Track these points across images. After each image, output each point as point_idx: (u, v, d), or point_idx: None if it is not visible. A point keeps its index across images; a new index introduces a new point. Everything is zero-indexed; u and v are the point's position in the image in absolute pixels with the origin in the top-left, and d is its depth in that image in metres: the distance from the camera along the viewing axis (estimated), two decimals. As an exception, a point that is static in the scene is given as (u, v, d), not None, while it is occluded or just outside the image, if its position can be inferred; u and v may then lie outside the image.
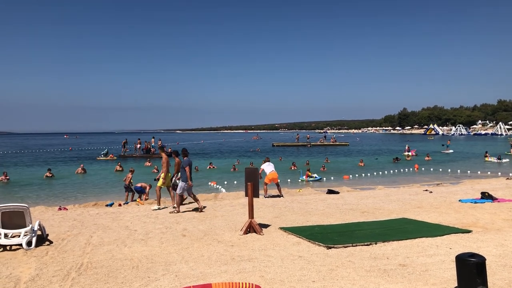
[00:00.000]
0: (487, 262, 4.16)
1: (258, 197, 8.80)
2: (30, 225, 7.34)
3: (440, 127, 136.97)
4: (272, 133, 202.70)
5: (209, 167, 28.11)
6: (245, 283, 3.91)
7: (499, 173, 23.03)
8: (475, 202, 11.38)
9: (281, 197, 13.75)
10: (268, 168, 14.33)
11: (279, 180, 14.80)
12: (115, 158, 37.45)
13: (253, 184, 8.27)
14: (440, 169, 25.96)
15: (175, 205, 11.17)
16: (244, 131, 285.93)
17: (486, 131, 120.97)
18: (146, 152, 39.08)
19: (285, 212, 10.56)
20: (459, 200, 11.83)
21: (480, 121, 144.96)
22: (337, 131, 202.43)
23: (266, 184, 14.25)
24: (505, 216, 9.42)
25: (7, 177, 22.08)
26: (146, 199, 14.24)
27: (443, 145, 45.02)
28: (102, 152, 40.53)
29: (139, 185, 14.40)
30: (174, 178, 12.07)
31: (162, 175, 11.87)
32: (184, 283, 5.10)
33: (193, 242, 7.47)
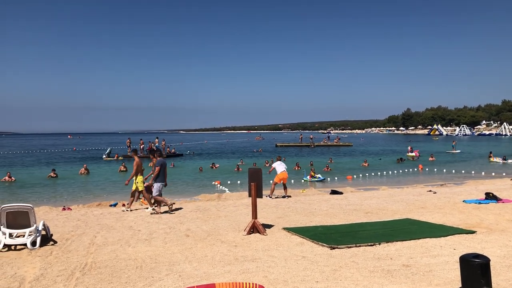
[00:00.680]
0: (491, 263, 4.15)
1: (262, 197, 8.81)
2: (35, 225, 7.37)
3: (444, 128, 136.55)
4: (276, 134, 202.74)
5: (212, 167, 28.17)
6: (249, 283, 3.91)
7: (504, 174, 22.95)
8: (479, 203, 11.33)
9: (285, 198, 13.71)
10: (279, 167, 14.01)
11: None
12: (121, 158, 37.53)
13: (256, 184, 8.28)
14: (444, 170, 25.88)
15: (154, 207, 10.94)
16: (247, 131, 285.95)
17: (490, 132, 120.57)
18: (149, 152, 39.12)
19: (288, 213, 10.56)
20: (463, 201, 11.78)
21: (484, 122, 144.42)
22: (340, 131, 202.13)
23: (275, 183, 13.99)
24: (510, 217, 9.38)
25: (11, 178, 22.19)
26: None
27: (452, 146, 45.13)
28: (106, 153, 40.65)
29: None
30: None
31: (139, 178, 11.59)
32: (188, 283, 5.11)
33: (197, 242, 7.48)
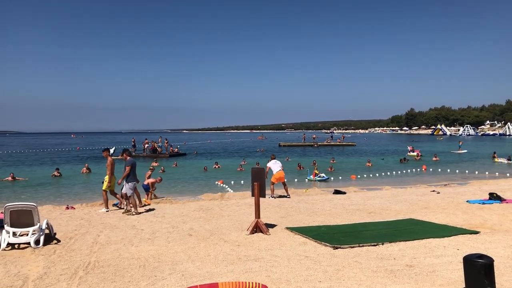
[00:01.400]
0: (495, 263, 4.14)
1: (265, 197, 8.81)
2: (38, 224, 7.40)
3: (448, 128, 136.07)
4: (279, 133, 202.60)
5: (215, 167, 28.19)
6: (252, 283, 3.91)
7: (508, 174, 22.84)
8: (483, 203, 11.29)
9: (288, 197, 13.70)
10: (275, 166, 14.07)
11: (285, 180, 14.66)
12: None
13: (259, 184, 8.28)
14: (448, 170, 25.78)
15: (129, 207, 10.82)
16: (249, 131, 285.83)
17: (494, 132, 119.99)
18: (152, 151, 39.24)
19: (291, 212, 10.55)
20: (467, 201, 11.74)
21: (488, 122, 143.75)
22: (344, 131, 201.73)
23: (273, 183, 14.07)
24: (514, 217, 9.34)
25: (15, 178, 22.23)
26: (153, 197, 14.26)
27: (459, 146, 45.14)
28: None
29: (146, 183, 14.43)
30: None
31: (107, 178, 11.44)
32: (191, 282, 5.12)
33: (200, 241, 7.48)
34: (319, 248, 6.87)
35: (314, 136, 70.52)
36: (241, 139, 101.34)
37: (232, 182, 20.42)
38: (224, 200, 13.59)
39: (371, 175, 23.46)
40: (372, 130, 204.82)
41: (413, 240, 7.24)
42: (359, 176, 22.85)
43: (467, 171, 24.85)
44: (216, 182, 20.43)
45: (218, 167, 28.27)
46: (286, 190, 14.18)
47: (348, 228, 8.41)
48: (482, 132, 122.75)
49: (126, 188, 10.81)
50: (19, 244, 7.25)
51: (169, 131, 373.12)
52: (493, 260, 4.00)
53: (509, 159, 30.76)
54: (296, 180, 20.83)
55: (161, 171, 25.10)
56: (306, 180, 21.27)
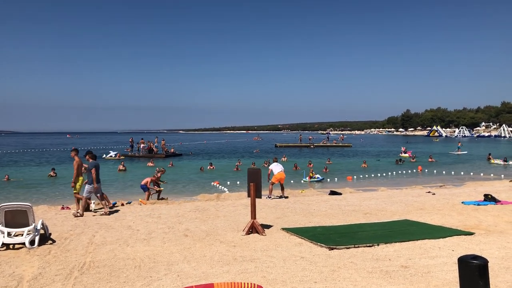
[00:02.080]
0: (489, 264, 4.15)
1: (261, 197, 8.81)
2: (33, 224, 7.37)
3: (443, 129, 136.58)
4: (275, 134, 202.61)
5: (209, 168, 28.14)
6: (247, 283, 3.90)
7: (502, 176, 22.95)
8: (478, 204, 11.34)
9: (284, 198, 13.72)
10: (276, 168, 14.19)
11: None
12: (123, 157, 37.55)
13: (255, 184, 8.28)
14: (443, 171, 25.88)
15: (79, 209, 10.69)
16: (246, 131, 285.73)
17: (489, 133, 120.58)
18: (148, 152, 39.15)
19: (287, 213, 10.56)
20: (462, 202, 11.79)
21: (483, 123, 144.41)
22: (340, 132, 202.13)
23: (273, 183, 14.12)
24: (508, 219, 9.40)
25: (9, 179, 22.06)
26: (152, 194, 14.22)
27: (458, 147, 45.45)
28: (108, 155, 40.61)
29: (143, 182, 14.39)
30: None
31: (81, 178, 11.32)
32: (186, 283, 5.11)
33: (195, 242, 7.48)
34: (314, 248, 6.88)
35: (310, 137, 70.54)
36: (237, 140, 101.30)
37: (228, 182, 20.41)
38: (220, 201, 13.57)
39: (367, 176, 23.51)
40: (368, 131, 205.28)
41: (408, 241, 7.27)
42: (355, 177, 22.89)
43: (462, 173, 24.95)
44: (212, 183, 20.40)
45: (213, 167, 28.22)
46: (283, 191, 14.22)
47: (343, 229, 8.43)
48: (477, 134, 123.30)
49: (85, 190, 10.83)
50: (13, 244, 7.21)
51: (165, 131, 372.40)
52: (487, 261, 4.01)
53: (505, 161, 30.92)
54: (292, 181, 20.83)
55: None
56: (302, 181, 21.29)
